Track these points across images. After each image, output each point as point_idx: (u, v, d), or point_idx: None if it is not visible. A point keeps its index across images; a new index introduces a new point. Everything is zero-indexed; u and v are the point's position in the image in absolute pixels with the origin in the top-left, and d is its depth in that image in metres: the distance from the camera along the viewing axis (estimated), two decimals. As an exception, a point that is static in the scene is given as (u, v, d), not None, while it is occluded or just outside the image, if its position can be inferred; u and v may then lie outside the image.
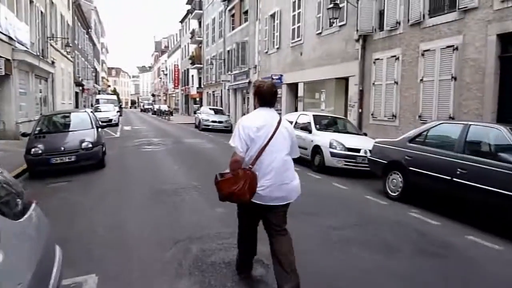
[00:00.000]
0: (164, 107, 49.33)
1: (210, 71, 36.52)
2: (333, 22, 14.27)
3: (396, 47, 11.92)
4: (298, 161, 6.07)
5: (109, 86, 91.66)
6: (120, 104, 53.09)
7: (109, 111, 25.64)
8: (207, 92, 38.26)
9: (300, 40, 18.03)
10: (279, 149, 3.01)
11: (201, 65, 40.08)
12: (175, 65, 56.11)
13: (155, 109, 52.16)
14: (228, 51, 30.36)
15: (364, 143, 9.05)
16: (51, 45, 21.93)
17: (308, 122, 10.14)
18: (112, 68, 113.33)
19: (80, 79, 34.96)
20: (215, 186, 3.04)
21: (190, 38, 42.70)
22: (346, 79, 14.96)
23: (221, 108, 26.15)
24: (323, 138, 9.25)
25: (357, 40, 13.72)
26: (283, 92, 20.25)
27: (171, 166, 9.58)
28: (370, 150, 8.32)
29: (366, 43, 13.40)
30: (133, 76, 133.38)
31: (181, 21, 52.43)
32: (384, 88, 12.48)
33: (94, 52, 55.25)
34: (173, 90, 60.18)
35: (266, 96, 3.11)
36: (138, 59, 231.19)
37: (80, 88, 36.63)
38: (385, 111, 12.46)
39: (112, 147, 12.63)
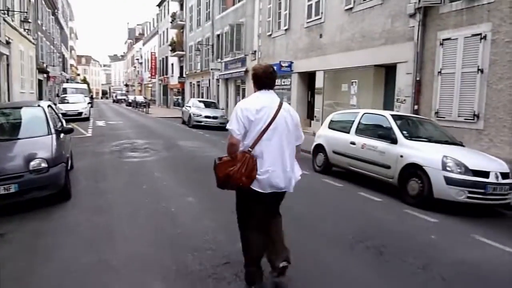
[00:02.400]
0: (140, 98, 44.91)
1: (194, 59, 32.57)
2: (378, -9, 10.93)
3: (483, 21, 8.70)
4: (373, 186, 6.46)
5: (78, 74, 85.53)
6: (91, 94, 48.30)
7: (78, 103, 21.49)
8: (191, 82, 34.32)
9: (320, 18, 14.59)
10: (280, 133, 2.90)
11: (183, 52, 36.02)
12: (151, 52, 51.50)
13: (130, 100, 47.60)
14: (218, 35, 26.57)
15: (488, 162, 5.79)
16: (4, 20, 17.56)
17: (386, 127, 6.75)
18: (82, 56, 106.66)
19: (44, 65, 30.27)
20: (213, 171, 2.93)
21: (171, 22, 38.46)
22: (389, 67, 11.69)
23: (213, 101, 22.45)
24: (425, 153, 5.88)
25: (413, 15, 10.44)
26: (293, 83, 16.82)
27: (182, 195, 6.00)
28: (504, 174, 5.13)
29: (427, 19, 10.12)
30: (104, 65, 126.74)
31: (159, 5, 47.87)
32: (458, 78, 9.26)
33: (61, 37, 49.94)
34: (149, 80, 55.54)
35: (263, 79, 3.01)
36: (109, 47, 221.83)
37: (45, 75, 31.90)
38: (459, 109, 9.27)
39: (82, 155, 8.92)
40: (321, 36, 14.64)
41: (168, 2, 41.45)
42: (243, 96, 22.66)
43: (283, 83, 17.72)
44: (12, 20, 18.57)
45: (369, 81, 12.47)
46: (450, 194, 5.47)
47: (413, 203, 5.87)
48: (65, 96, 23.30)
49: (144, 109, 33.90)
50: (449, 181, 5.44)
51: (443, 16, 9.70)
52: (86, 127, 16.52)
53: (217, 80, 26.96)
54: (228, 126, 2.90)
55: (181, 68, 38.00)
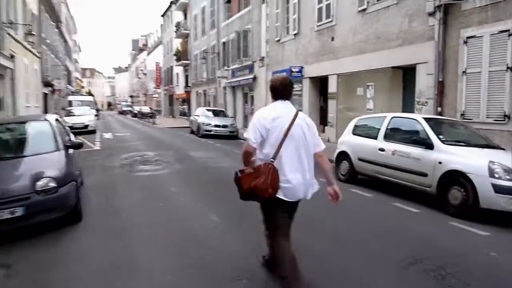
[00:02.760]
0: (145, 109, 44.70)
1: (200, 68, 32.27)
2: (395, -10, 10.50)
3: (510, 17, 8.21)
4: (406, 195, 6.15)
5: (83, 87, 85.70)
6: (97, 106, 48.14)
7: (84, 115, 21.18)
8: (197, 92, 33.98)
9: (331, 21, 14.16)
10: (298, 142, 2.95)
11: (188, 61, 35.76)
12: (156, 63, 51.34)
13: (136, 112, 47.37)
14: (224, 43, 26.24)
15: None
16: (8, 34, 17.31)
17: (418, 131, 6.22)
18: (86, 69, 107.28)
19: (49, 78, 30.07)
20: (235, 184, 2.98)
21: (175, 32, 38.26)
22: (406, 68, 11.21)
23: (222, 110, 22.01)
24: (467, 159, 5.35)
25: (432, 13, 9.97)
26: (304, 88, 16.37)
27: (204, 213, 5.51)
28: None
29: (448, 17, 9.64)
30: (109, 77, 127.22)
31: (163, 15, 47.84)
32: (485, 77, 8.76)
33: (66, 49, 50.02)
34: (154, 90, 55.40)
35: (280, 90, 3.08)
36: (113, 59, 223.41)
37: (50, 89, 31.72)
38: (487, 110, 8.75)
39: (91, 170, 8.49)
40: (333, 39, 14.20)
41: (172, 11, 41.33)
42: (252, 104, 22.25)
43: (294, 89, 17.21)
44: (16, 34, 18.34)
45: (386, 84, 11.98)
46: (499, 203, 4.94)
47: (456, 214, 5.33)
48: (71, 109, 23.02)
49: (151, 119, 33.59)
50: (498, 189, 4.91)
51: (466, 13, 9.21)
52: (94, 140, 16.13)
53: (224, 88, 26.58)
54: (245, 135, 2.99)
55: (187, 77, 37.73)
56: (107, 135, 19.13)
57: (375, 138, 6.98)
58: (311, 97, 16.05)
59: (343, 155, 7.75)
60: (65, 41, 49.06)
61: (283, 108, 3.02)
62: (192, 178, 8.02)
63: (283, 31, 17.93)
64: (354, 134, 7.67)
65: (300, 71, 16.09)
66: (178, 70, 40.43)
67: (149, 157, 10.92)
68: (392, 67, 11.51)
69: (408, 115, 7.21)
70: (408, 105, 11.36)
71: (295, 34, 16.78)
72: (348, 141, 7.67)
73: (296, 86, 16.94)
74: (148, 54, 61.56)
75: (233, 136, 17.73)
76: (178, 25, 37.69)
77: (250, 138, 2.89)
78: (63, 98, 40.26)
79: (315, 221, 4.94)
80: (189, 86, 36.25)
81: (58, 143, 5.37)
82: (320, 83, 15.94)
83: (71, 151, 5.64)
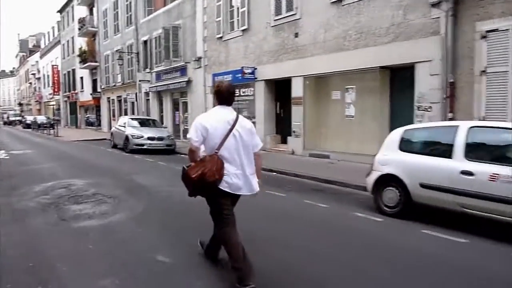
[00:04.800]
0: (42, 119, 38.21)
1: (112, 70, 28.04)
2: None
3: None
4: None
5: (-45, 93, 72.36)
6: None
7: (-36, 128, 16.05)
8: (109, 98, 29.54)
9: (295, 14, 12.17)
10: (238, 143, 3.21)
11: (97, 63, 31.07)
12: (53, 65, 44.61)
13: (29, 121, 40.35)
14: (145, 41, 22.77)
15: None
16: None
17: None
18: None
19: None
20: (182, 181, 3.28)
21: (79, 29, 33.14)
22: (396, 68, 9.66)
23: (152, 118, 18.59)
24: None
25: (436, 4, 8.50)
26: (257, 93, 14.11)
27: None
28: None
29: (459, 7, 8.21)
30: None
31: (60, 11, 41.69)
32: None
33: None
34: (50, 97, 48.14)
35: (225, 95, 3.32)
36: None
37: None
38: (518, 116, 7.42)
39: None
40: (296, 35, 12.19)
41: (73, 6, 36.00)
42: (185, 111, 19.28)
43: (243, 93, 14.88)
44: None
45: (371, 86, 10.30)
46: None
47: None
48: None
49: (51, 131, 28.21)
50: None
51: (483, 3, 7.84)
52: (-19, 163, 11.78)
53: (146, 93, 23.06)
54: (188, 135, 3.24)
55: (94, 81, 32.86)
56: (0, 153, 14.55)
57: (448, 156, 4.96)
58: (266, 103, 13.84)
59: (388, 180, 5.61)
60: None
61: (225, 113, 3.27)
62: (180, 232, 5.11)
63: (226, 27, 15.48)
64: (403, 150, 5.58)
65: (253, 73, 13.79)
66: (82, 73, 35.15)
67: (80, 188, 7.57)
68: (381, 67, 9.85)
69: (500, 124, 5.34)
70: (399, 111, 9.82)
71: (243, 30, 14.46)
72: (397, 160, 5.55)
73: (247, 91, 14.64)
74: (42, 56, 53.67)
75: (170, 150, 14.66)
76: (82, 21, 32.69)
77: (192, 138, 3.17)
78: None
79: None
80: (98, 92, 31.51)
81: None
82: (276, 86, 13.83)
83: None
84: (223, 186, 3.16)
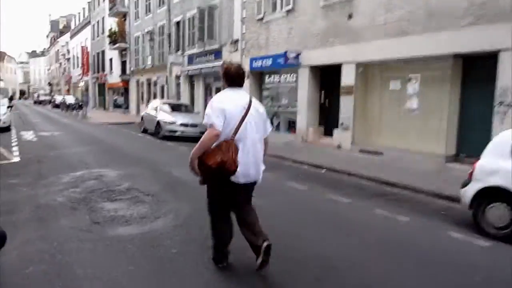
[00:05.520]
0: (70, 99, 38.11)
1: (143, 52, 27.30)
2: None
3: None
4: None
5: (-11, 72, 73.93)
6: (11, 95, 40.21)
7: (-7, 107, 15.63)
8: (138, 80, 28.89)
9: (349, -7, 10.86)
10: (252, 127, 3.09)
11: (127, 45, 30.42)
12: (82, 46, 44.45)
13: (58, 102, 40.41)
14: (177, 22, 21.81)
15: None
16: None
17: None
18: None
19: None
20: (195, 169, 3.03)
21: (109, 10, 32.52)
22: (471, 57, 8.31)
23: (185, 103, 17.72)
24: None
25: (535, -21, 7.06)
26: (301, 79, 12.94)
27: None
28: None
29: None
30: (21, 62, 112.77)
31: (92, -10, 41.27)
32: None
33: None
34: (79, 78, 48.17)
35: (235, 77, 3.17)
36: (26, 43, 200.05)
37: None
38: None
39: (10, 217, 4.28)
40: (350, 17, 10.91)
41: (104, -14, 35.38)
42: (218, 97, 18.28)
43: (284, 80, 13.76)
44: None
45: (441, 76, 8.99)
46: None
47: None
48: (-28, 99, 17.11)
49: (79, 112, 27.88)
50: None
51: None
52: (9, 144, 11.16)
53: (177, 77, 22.21)
54: (207, 121, 2.98)
55: (124, 63, 32.28)
56: (28, 135, 14.00)
57: None
58: (310, 91, 12.65)
59: (493, 194, 4.45)
60: (-34, 13, 40.28)
61: (239, 95, 3.14)
62: (240, 245, 4.13)
63: (268, 7, 14.29)
64: (518, 157, 4.39)
65: (297, 58, 12.62)
66: (112, 54, 34.66)
67: (112, 181, 6.71)
68: (455, 55, 8.52)
69: None
70: (472, 106, 8.52)
71: (288, 11, 13.23)
72: (509, 169, 4.36)
73: (288, 77, 13.50)
74: (72, 36, 53.70)
75: (203, 138, 13.72)
76: (113, 1, 32.02)
77: (215, 123, 2.93)
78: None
79: None
80: (127, 74, 30.91)
81: None
82: (322, 73, 12.63)
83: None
84: (233, 177, 3.03)
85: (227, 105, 3.00)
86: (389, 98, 10.26)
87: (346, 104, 11.16)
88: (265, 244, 3.03)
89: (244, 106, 3.06)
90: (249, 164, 3.07)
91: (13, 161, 8.78)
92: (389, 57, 9.80)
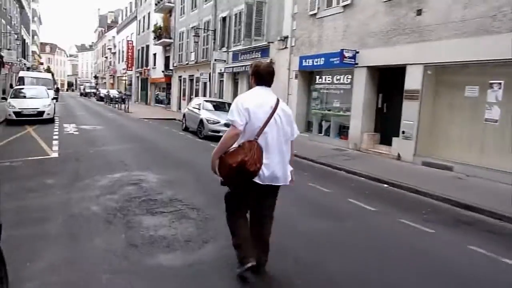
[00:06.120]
0: (114, 93, 38.72)
1: (186, 48, 26.97)
2: None
3: None
4: None
5: (41, 63, 77.29)
6: (57, 86, 41.44)
7: (39, 98, 15.65)
8: (180, 76, 28.64)
9: (419, -14, 9.66)
10: (278, 128, 3.00)
11: (171, 40, 30.27)
12: (128, 41, 45.08)
13: (102, 95, 41.18)
14: (223, 18, 21.19)
15: None
16: None
17: None
18: (46, 43, 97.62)
19: (-5, 46, 23.92)
20: (215, 170, 2.99)
21: (156, 5, 32.52)
22: None
23: (228, 102, 17.06)
24: None
25: None
26: (356, 81, 11.83)
27: None
28: None
29: None
30: (71, 55, 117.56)
31: (139, -14, 41.67)
32: None
33: (22, 18, 42.87)
34: (123, 72, 49.00)
35: (264, 76, 3.09)
36: (76, 36, 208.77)
37: (-4, 60, 25.47)
38: None
39: (33, 226, 3.68)
40: (419, 12, 9.71)
41: (152, -18, 35.48)
42: (263, 97, 17.48)
43: (337, 81, 12.71)
44: None
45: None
46: None
47: None
48: (21, 89, 17.25)
49: (122, 105, 28.01)
50: None
51: None
52: (50, 137, 10.87)
53: (221, 74, 21.60)
54: (229, 117, 2.90)
55: (167, 59, 32.20)
56: (70, 128, 13.78)
57: None
58: (366, 94, 11.52)
59: None
60: (22, 7, 41.98)
61: (266, 95, 3.05)
62: None
63: (322, 2, 13.27)
64: None
65: (354, 57, 11.53)
66: (156, 50, 34.73)
67: (153, 188, 6.01)
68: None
69: None
70: None
71: (345, 6, 12.16)
72: None
73: (342, 78, 12.45)
74: (118, 31, 54.79)
75: (247, 139, 12.93)
76: (160, -4, 32.00)
77: (236, 121, 2.86)
78: (15, 74, 33.50)
79: None
80: (170, 70, 30.77)
81: None
82: (381, 75, 11.48)
83: None
84: (258, 178, 2.90)
85: (252, 104, 2.91)
86: (463, 106, 8.99)
87: (409, 111, 9.97)
88: (252, 264, 2.96)
89: (271, 106, 2.96)
90: (275, 166, 2.96)
91: (52, 156, 8.37)
92: (466, 59, 8.54)
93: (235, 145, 2.91)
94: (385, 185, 7.81)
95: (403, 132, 10.13)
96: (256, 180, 2.90)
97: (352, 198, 6.32)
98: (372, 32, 11.14)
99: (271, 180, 2.97)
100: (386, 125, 11.25)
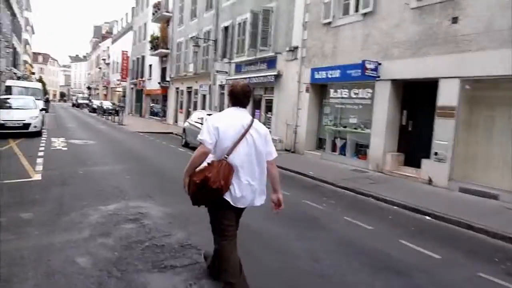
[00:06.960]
0: (107, 104, 37.44)
1: (184, 59, 25.86)
2: None
3: None
4: None
5: (33, 73, 75.53)
6: (47, 96, 39.97)
7: (25, 109, 14.28)
8: (177, 88, 27.43)
9: (455, -9, 8.64)
10: (250, 149, 2.92)
11: (168, 51, 29.16)
12: (123, 51, 43.91)
13: (95, 106, 39.81)
14: (226, 27, 20.13)
15: None
16: None
17: None
18: (39, 53, 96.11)
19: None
20: (186, 189, 2.98)
21: (153, 14, 31.49)
22: None
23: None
24: None
25: None
26: (378, 95, 10.72)
27: None
28: None
29: None
30: (64, 66, 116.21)
31: (136, -4, 40.74)
32: None
33: (13, 25, 41.57)
34: (117, 83, 47.71)
35: (239, 97, 3.04)
36: (70, 47, 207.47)
37: (-17, 68, 24.08)
38: None
39: None
40: (455, 20, 8.67)
41: (149, -9, 34.55)
42: (268, 111, 16.36)
43: (354, 95, 11.60)
44: None
45: None
46: None
47: None
48: (7, 98, 15.89)
49: (115, 117, 26.70)
50: None
51: None
52: (34, 154, 9.54)
53: (221, 86, 20.46)
54: (199, 137, 2.89)
55: (164, 70, 31.04)
56: (58, 143, 12.43)
57: None
58: (390, 111, 10.40)
59: None
60: (14, 14, 40.72)
61: (240, 115, 2.99)
62: None
63: (338, 10, 12.24)
64: None
65: (376, 69, 10.45)
66: (152, 60, 33.58)
67: (158, 227, 4.74)
68: None
69: None
70: None
71: (365, 14, 11.12)
72: None
73: (361, 92, 11.35)
74: (113, 42, 53.71)
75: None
76: (157, 6, 31.00)
77: (205, 140, 2.84)
78: (3, 83, 32.05)
79: None
80: (166, 81, 29.58)
81: None
82: (405, 89, 10.40)
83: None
84: (227, 197, 2.86)
85: (223, 123, 2.87)
86: (506, 125, 7.88)
87: (443, 129, 8.84)
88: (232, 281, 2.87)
89: (243, 126, 2.90)
90: (244, 187, 2.90)
91: (33, 179, 7.05)
92: (508, 73, 7.47)
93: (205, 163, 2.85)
94: (427, 217, 6.61)
95: (436, 154, 8.98)
96: (227, 198, 2.86)
97: (404, 239, 5.10)
98: (398, 42, 10.08)
99: (238, 200, 2.91)
100: (412, 145, 10.12)
